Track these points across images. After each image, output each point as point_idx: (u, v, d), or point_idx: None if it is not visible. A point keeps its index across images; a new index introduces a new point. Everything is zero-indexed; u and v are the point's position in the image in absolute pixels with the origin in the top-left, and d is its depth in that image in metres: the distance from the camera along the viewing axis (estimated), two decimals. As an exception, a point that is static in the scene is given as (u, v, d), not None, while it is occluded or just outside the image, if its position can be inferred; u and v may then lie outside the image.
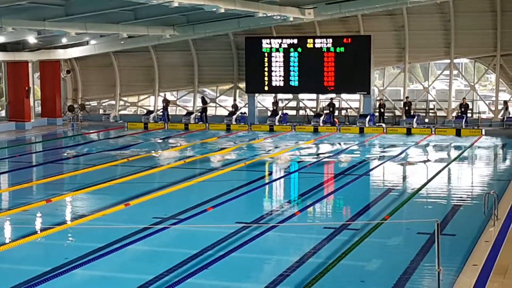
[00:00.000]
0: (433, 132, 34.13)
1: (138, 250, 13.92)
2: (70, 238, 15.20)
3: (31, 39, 33.12)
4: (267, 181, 20.90)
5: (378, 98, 37.51)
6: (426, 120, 36.20)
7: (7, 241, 14.58)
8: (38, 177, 21.54)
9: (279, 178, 21.52)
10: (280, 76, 36.85)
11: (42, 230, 15.47)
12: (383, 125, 35.72)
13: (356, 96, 37.60)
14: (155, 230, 15.08)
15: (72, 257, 13.01)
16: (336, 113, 37.69)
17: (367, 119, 35.52)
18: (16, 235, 14.95)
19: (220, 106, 40.54)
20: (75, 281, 12.06)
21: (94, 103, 42.52)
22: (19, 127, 36.50)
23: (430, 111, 36.78)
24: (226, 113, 38.81)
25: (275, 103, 38.24)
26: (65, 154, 27.19)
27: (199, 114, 38.48)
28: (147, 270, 12.25)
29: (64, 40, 35.49)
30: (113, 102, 41.78)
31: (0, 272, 12.56)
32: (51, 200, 18.34)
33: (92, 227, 15.64)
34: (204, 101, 38.86)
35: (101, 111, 41.99)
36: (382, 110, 36.62)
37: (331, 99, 37.56)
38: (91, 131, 36.07)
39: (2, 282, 11.54)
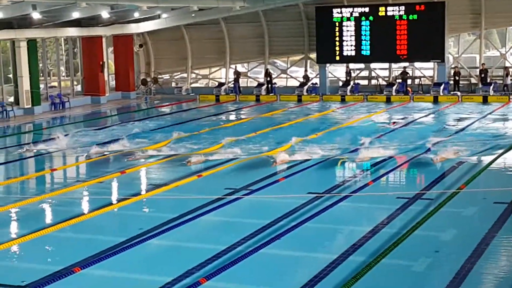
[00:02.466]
0: (511, 100, 33.18)
1: (211, 221, 14.04)
2: (145, 209, 15.45)
3: (105, 14, 33.55)
4: (339, 151, 20.69)
5: (452, 66, 36.67)
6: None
7: (84, 211, 14.91)
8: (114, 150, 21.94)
9: (352, 149, 21.31)
10: (351, 45, 36.39)
11: (118, 201, 15.75)
12: (458, 93, 34.92)
13: (430, 64, 36.86)
14: (228, 201, 15.18)
15: (146, 228, 13.21)
16: (409, 82, 37.02)
17: (442, 87, 34.78)
18: (93, 206, 15.28)
19: (291, 77, 40.36)
20: (149, 251, 12.25)
21: (166, 77, 42.93)
22: (95, 101, 37.19)
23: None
24: (297, 84, 38.61)
25: (347, 73, 37.82)
26: (140, 128, 27.54)
27: (267, 85, 38.36)
28: (219, 240, 12.33)
29: (136, 14, 35.84)
30: (184, 75, 42.09)
31: (77, 242, 12.86)
32: (125, 172, 18.66)
33: (166, 197, 15.86)
34: (268, 74, 38.64)
35: (173, 84, 42.37)
36: (457, 78, 35.80)
37: (404, 67, 36.90)
38: (164, 104, 36.46)
39: (79, 252, 11.80)
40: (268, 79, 38.37)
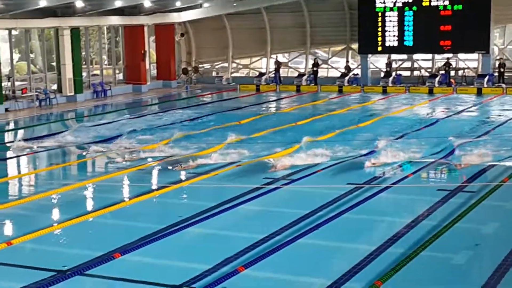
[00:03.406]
0: (556, 93, 32.58)
1: (250, 210, 14.07)
2: (184, 197, 15.53)
3: (147, 2, 33.76)
4: (380, 143, 20.52)
5: (497, 58, 36.10)
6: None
7: (125, 198, 15.05)
8: (156, 140, 22.09)
9: (393, 139, 21.14)
10: (394, 36, 36.01)
11: (158, 189, 15.84)
12: (503, 85, 34.36)
13: (474, 55, 36.33)
14: (267, 190, 15.18)
15: (186, 216, 13.29)
16: (453, 73, 36.54)
17: (486, 79, 34.27)
18: (133, 194, 15.41)
19: (332, 67, 40.15)
20: (188, 239, 12.32)
21: (207, 66, 43.06)
22: (136, 90, 37.47)
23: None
24: (338, 74, 38.40)
25: (389, 64, 37.48)
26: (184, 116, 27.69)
27: (311, 75, 38.20)
28: (258, 230, 12.34)
29: (178, 4, 35.99)
30: (225, 64, 42.15)
31: (118, 229, 13.01)
32: (163, 160, 18.74)
33: (206, 186, 15.92)
34: (316, 64, 38.45)
35: (213, 74, 42.47)
36: (501, 70, 35.22)
37: (448, 59, 36.44)
38: (205, 93, 36.58)
39: (119, 238, 11.93)
40: (315, 69, 38.13)
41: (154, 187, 16.26)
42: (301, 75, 38.63)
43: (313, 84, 37.79)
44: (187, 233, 12.44)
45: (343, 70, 38.37)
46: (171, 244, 11.85)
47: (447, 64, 36.16)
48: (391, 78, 36.37)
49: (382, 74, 37.39)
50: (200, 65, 41.86)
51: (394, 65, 38.10)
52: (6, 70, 31.26)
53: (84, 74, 35.03)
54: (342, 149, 19.40)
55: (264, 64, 41.42)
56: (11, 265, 10.82)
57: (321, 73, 39.44)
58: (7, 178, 17.49)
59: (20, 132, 25.38)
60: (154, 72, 40.35)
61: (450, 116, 26.98)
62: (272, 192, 15.14)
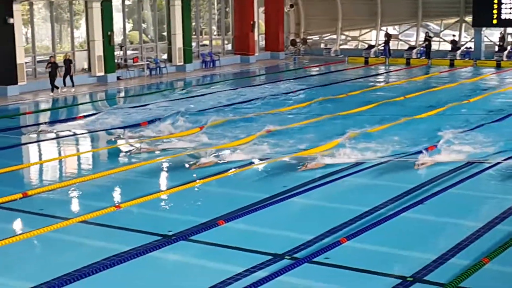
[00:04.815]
0: None
1: (355, 182, 13.95)
2: (289, 168, 15.29)
3: (256, -27, 33.82)
4: (492, 119, 19.84)
5: None
6: None
7: (231, 167, 15.03)
8: (263, 109, 22.21)
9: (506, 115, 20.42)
10: (510, 8, 34.59)
11: (263, 159, 15.78)
12: None
13: None
14: (373, 164, 14.98)
15: (290, 186, 13.30)
16: None
17: None
18: (239, 163, 15.37)
19: (444, 40, 39.06)
20: (292, 209, 12.37)
21: (315, 37, 42.77)
22: (244, 61, 37.69)
23: None
24: (450, 47, 37.33)
25: (502, 37, 36.11)
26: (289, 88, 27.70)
27: (423, 48, 37.29)
28: (362, 202, 12.24)
29: (287, -26, 35.86)
30: (334, 36, 41.74)
31: (223, 197, 13.16)
32: (270, 130, 18.63)
33: (312, 157, 15.75)
34: (428, 37, 37.46)
35: (322, 46, 42.16)
36: None
37: None
38: (312, 65, 36.40)
39: (224, 206, 12.11)
40: (427, 43, 37.14)
41: (262, 157, 15.92)
42: (411, 48, 37.81)
43: (423, 58, 36.92)
44: (291, 203, 12.47)
45: (455, 44, 37.21)
46: (274, 213, 11.91)
47: None
48: (505, 53, 35.04)
49: (496, 48, 36.06)
50: (309, 37, 41.63)
51: (509, 39, 36.64)
52: (118, 39, 32.08)
53: (193, 44, 35.51)
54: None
55: (373, 37, 40.76)
56: (119, 227, 11.16)
57: (432, 46, 38.43)
58: (117, 145, 17.82)
59: (132, 99, 25.92)
60: (262, 43, 40.44)
61: None
62: (378, 165, 14.88)
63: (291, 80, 30.36)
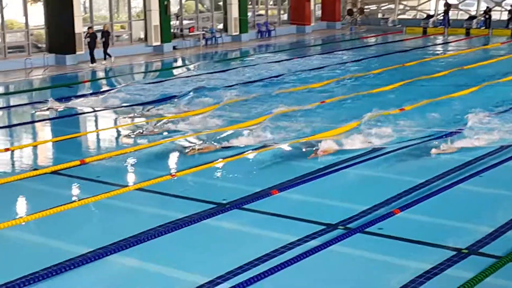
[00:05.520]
0: None
1: (409, 154, 13.76)
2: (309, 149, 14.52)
3: None
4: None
5: None
6: None
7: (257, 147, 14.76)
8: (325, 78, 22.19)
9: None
10: None
11: (317, 131, 15.69)
12: None
13: None
14: (429, 135, 14.78)
15: (343, 158, 13.24)
16: None
17: None
18: (293, 135, 15.28)
19: (507, 10, 38.09)
20: (346, 180, 12.34)
21: (373, 7, 42.22)
22: (300, 31, 37.49)
23: None
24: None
25: None
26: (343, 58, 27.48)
27: (482, 19, 36.50)
28: (418, 174, 12.12)
29: None
30: (392, 6, 41.14)
31: (277, 166, 13.10)
32: (325, 102, 18.57)
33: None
34: (487, 10, 36.53)
35: (379, 16, 41.62)
36: None
37: None
38: (369, 35, 35.98)
39: (277, 175, 12.16)
40: (487, 16, 36.28)
41: (292, 136, 15.29)
42: (471, 17, 37.03)
43: (483, 28, 36.14)
44: (345, 174, 12.43)
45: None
46: (328, 184, 11.90)
47: None
48: None
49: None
50: (366, 6, 41.11)
51: None
52: (175, 9, 32.22)
53: (249, 14, 35.43)
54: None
55: (432, 6, 40.04)
56: (174, 195, 11.29)
57: (494, 16, 37.58)
58: (174, 117, 17.67)
59: (191, 68, 26.11)
60: (318, 13, 40.13)
61: None
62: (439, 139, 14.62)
63: (347, 51, 30.08)
